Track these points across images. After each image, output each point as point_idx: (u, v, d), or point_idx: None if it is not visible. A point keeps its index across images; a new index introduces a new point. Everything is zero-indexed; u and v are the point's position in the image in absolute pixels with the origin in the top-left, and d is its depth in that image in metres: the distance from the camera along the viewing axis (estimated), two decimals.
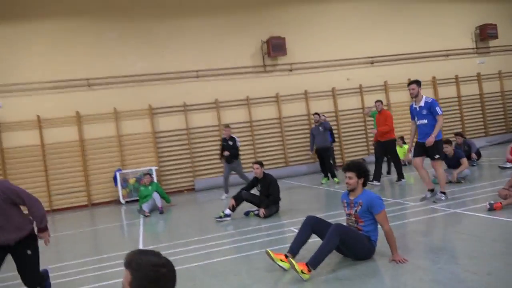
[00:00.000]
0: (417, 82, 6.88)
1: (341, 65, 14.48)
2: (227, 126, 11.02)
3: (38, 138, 12.02)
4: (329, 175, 10.87)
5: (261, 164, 7.62)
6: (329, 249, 4.05)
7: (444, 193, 6.76)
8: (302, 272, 3.89)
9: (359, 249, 4.25)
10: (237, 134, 12.40)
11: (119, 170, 12.26)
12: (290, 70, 14.06)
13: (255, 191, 7.78)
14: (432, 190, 6.91)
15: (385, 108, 11.42)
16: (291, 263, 4.00)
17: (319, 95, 14.28)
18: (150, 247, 6.09)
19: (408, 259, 4.10)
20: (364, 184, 4.41)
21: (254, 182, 7.71)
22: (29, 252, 3.79)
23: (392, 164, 10.42)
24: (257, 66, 13.86)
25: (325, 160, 10.81)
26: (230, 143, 10.44)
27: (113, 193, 12.37)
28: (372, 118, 11.19)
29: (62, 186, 12.18)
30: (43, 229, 3.95)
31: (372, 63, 14.79)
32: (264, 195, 7.46)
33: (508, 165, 9.26)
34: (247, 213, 7.55)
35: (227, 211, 7.37)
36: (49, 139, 12.11)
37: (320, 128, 10.77)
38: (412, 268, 3.91)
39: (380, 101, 9.93)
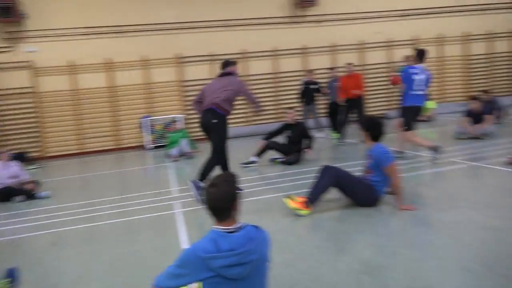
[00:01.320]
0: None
1: (371, 17, 14.18)
2: (310, 71, 11.55)
3: (69, 83, 12.45)
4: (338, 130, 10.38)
5: (294, 110, 7.83)
6: (322, 187, 4.44)
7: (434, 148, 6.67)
8: (297, 209, 4.38)
9: (359, 194, 4.51)
10: (260, 86, 12.50)
11: (147, 116, 12.69)
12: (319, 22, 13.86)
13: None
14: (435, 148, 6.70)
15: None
16: (287, 202, 4.48)
17: (345, 48, 14.12)
18: (180, 187, 6.56)
19: (419, 207, 4.35)
20: (374, 138, 4.54)
21: (284, 127, 7.81)
22: None
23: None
24: (286, 17, 13.72)
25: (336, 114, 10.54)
26: (312, 86, 10.89)
27: (140, 138, 12.87)
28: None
29: (92, 130, 12.73)
30: None
31: (401, 16, 14.41)
32: (293, 142, 7.63)
33: None
34: (272, 160, 7.86)
35: (253, 158, 7.71)
36: (80, 84, 12.53)
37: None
38: (421, 214, 4.20)
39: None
